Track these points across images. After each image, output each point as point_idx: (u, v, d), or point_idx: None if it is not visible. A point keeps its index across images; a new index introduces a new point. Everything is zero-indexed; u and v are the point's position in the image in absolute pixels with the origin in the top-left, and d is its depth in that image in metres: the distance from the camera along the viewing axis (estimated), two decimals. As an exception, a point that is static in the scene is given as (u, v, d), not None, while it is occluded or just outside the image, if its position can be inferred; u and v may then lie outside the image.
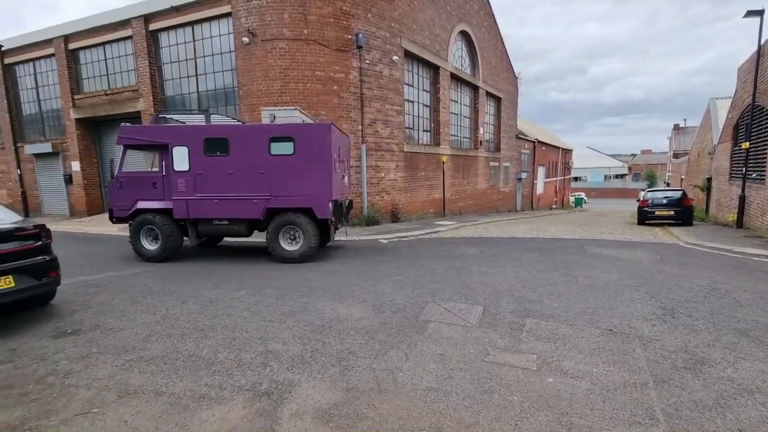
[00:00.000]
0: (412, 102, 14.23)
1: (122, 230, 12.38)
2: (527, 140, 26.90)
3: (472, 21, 17.72)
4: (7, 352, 3.80)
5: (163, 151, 7.75)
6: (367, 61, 11.65)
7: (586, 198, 43.51)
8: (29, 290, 4.31)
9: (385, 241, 9.83)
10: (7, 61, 16.20)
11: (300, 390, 3.05)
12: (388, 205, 12.79)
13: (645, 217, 14.27)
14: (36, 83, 16.09)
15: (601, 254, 8.04)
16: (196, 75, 12.53)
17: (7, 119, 16.52)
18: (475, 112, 19.21)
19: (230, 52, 11.75)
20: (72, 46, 14.54)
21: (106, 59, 14.27)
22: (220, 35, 11.91)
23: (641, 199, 15.24)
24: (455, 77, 16.74)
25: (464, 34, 17.34)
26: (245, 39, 10.90)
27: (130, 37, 13.23)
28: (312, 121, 8.34)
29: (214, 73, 12.30)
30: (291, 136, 7.37)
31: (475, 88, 18.90)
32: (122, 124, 8.12)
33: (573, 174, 46.59)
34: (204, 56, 12.32)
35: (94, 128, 15.37)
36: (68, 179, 15.44)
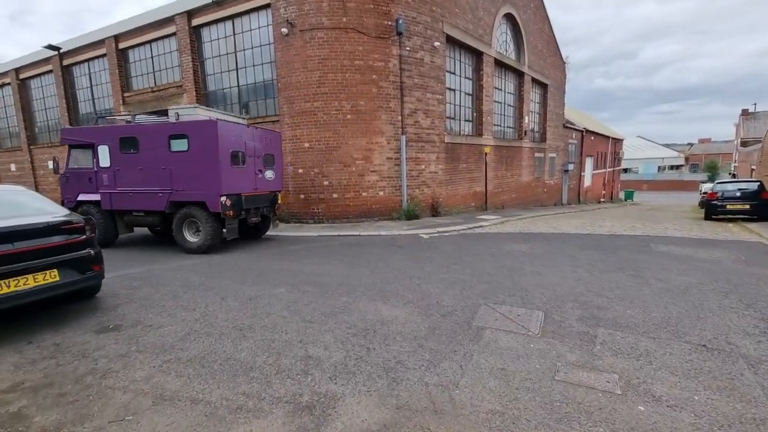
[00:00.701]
0: (454, 90, 13.59)
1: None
2: (575, 129, 25.33)
3: (518, 2, 16.70)
4: (51, 347, 3.76)
5: (94, 149, 8.55)
6: (408, 48, 11.16)
7: (636, 191, 40.70)
8: (73, 284, 4.29)
9: (426, 237, 9.39)
10: (65, 62, 17.13)
11: (344, 405, 2.72)
12: (428, 198, 12.31)
13: (714, 211, 12.89)
14: (90, 82, 16.91)
15: (672, 253, 7.18)
16: (237, 69, 12.57)
17: (66, 118, 17.53)
18: (520, 100, 18.19)
19: (269, 44, 11.65)
20: (122, 45, 15.09)
21: (152, 56, 14.69)
22: (259, 27, 11.84)
23: (708, 191, 13.80)
24: (499, 63, 15.86)
25: (509, 17, 16.37)
26: (284, 30, 10.73)
27: (174, 34, 13.50)
28: (227, 118, 8.64)
29: (253, 66, 12.28)
30: (185, 133, 7.74)
31: (520, 75, 17.88)
32: (63, 126, 9.45)
33: (623, 165, 43.71)
34: (244, 50, 12.32)
35: (142, 124, 15.94)
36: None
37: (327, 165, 11.05)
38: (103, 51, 15.69)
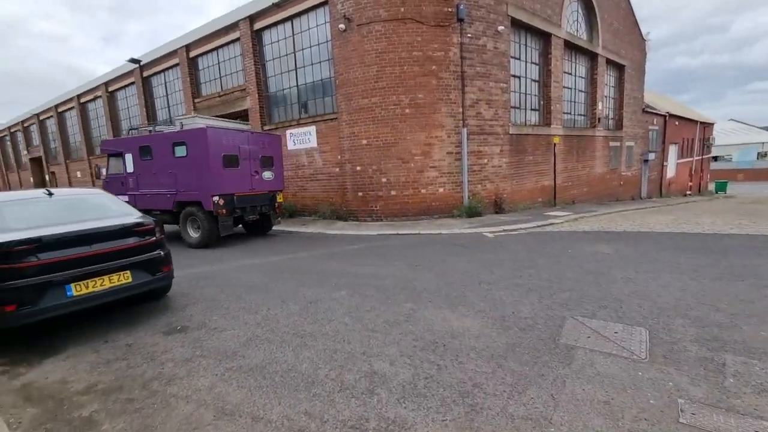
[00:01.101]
0: (519, 78, 12.64)
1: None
2: (656, 114, 22.72)
3: (590, -23, 15.17)
4: (124, 348, 3.83)
5: (123, 157, 9.87)
6: (469, 35, 10.51)
7: (729, 181, 35.80)
8: (144, 285, 4.39)
9: (491, 235, 8.76)
10: (145, 74, 18.64)
11: (417, 437, 2.37)
12: (491, 194, 11.57)
13: None
14: (166, 91, 18.23)
15: (802, 257, 5.93)
16: (296, 69, 12.72)
17: (144, 124, 19.11)
18: (593, 84, 16.59)
19: (327, 41, 11.61)
20: (192, 54, 16.03)
21: (219, 63, 15.42)
22: (317, 26, 11.85)
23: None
24: (569, 45, 14.53)
25: (580, -6, 14.94)
26: (341, 26, 10.60)
27: (237, 39, 14.02)
28: (221, 125, 9.77)
29: (312, 65, 12.34)
30: (184, 140, 8.64)
31: (593, 56, 16.29)
32: (103, 139, 11.21)
33: (713, 152, 38.70)
34: (302, 49, 12.43)
35: (211, 128, 16.86)
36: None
37: (385, 162, 10.78)
38: (176, 61, 16.80)
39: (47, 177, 29.48)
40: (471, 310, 4.32)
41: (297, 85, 12.83)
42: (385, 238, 9.15)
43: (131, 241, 4.37)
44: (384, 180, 10.89)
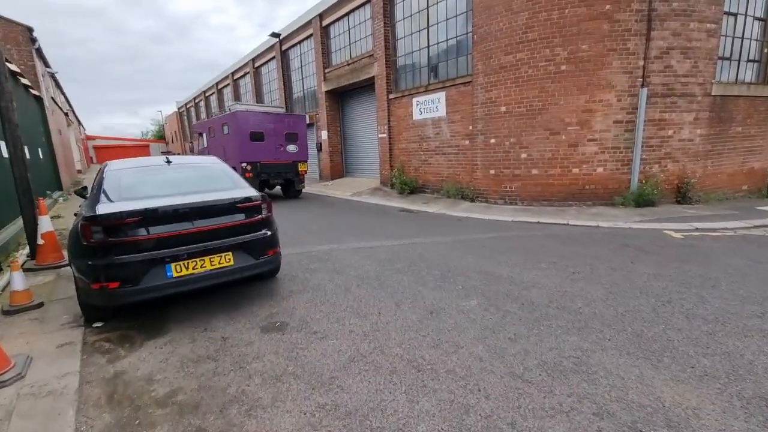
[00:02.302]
0: (735, 15, 9.02)
1: (354, 195, 13.02)
2: None
3: None
4: (219, 342, 3.33)
5: (201, 135, 14.38)
6: (664, -42, 7.64)
7: None
8: (246, 270, 3.85)
9: (679, 236, 6.37)
10: (283, 47, 19.54)
11: None
12: (673, 177, 8.69)
13: None
14: (301, 63, 18.83)
15: None
16: (427, 27, 11.39)
17: (282, 98, 20.25)
18: None
19: (464, -9, 9.94)
20: (325, 22, 15.97)
21: (349, 29, 15.00)
22: (454, -26, 10.23)
23: None
24: (824, -37, 9.87)
25: None
26: (484, -33, 8.81)
27: (369, 1, 13.25)
28: (250, 108, 12.40)
29: (446, 20, 10.84)
30: (227, 122, 11.86)
31: None
32: (194, 122, 15.68)
33: None
34: (437, 2, 10.98)
35: (339, 98, 16.85)
36: (319, 147, 17.70)
37: (527, 133, 8.89)
38: (310, 31, 17.03)
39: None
40: (694, 373, 2.65)
41: (428, 46, 11.51)
42: (522, 226, 7.50)
43: (237, 218, 3.85)
44: (524, 155, 9.03)
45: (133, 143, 66.99)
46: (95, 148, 61.40)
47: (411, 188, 12.04)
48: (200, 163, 4.77)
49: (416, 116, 11.94)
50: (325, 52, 16.47)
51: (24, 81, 12.11)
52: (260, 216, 4.01)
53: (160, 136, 64.89)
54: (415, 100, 11.87)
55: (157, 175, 4.21)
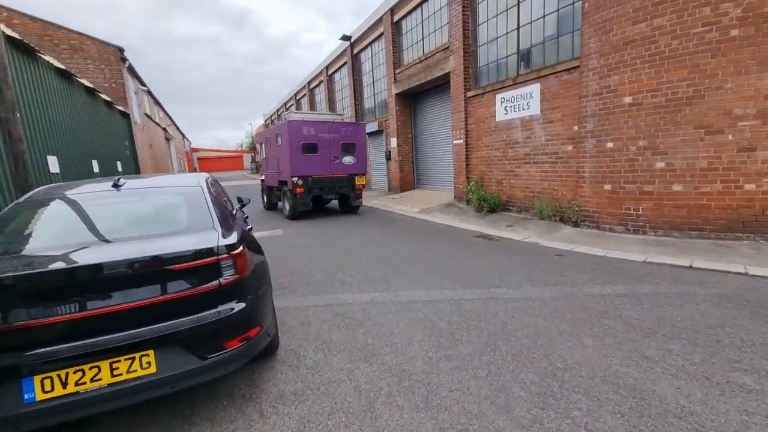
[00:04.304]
0: None
1: (423, 212, 11.08)
2: None
3: None
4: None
5: (261, 146, 13.72)
6: None
7: None
8: (180, 379, 2.17)
9: None
10: (354, 51, 18.47)
11: None
12: None
13: None
14: (372, 65, 17.54)
15: None
16: (518, 4, 9.09)
17: (352, 105, 19.17)
18: None
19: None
20: (396, 17, 14.44)
21: (422, 20, 13.24)
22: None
23: None
24: None
25: None
26: None
27: (444, -14, 11.36)
28: (303, 117, 11.17)
29: (542, -8, 8.47)
30: (280, 132, 10.98)
31: None
32: (255, 132, 15.57)
33: None
34: (529, -28, 8.68)
35: (410, 101, 15.14)
36: (387, 156, 16.10)
37: (667, 133, 6.18)
38: (381, 30, 15.64)
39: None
40: None
41: (517, 27, 9.19)
42: (663, 273, 4.90)
43: (175, 287, 2.22)
44: (660, 165, 6.31)
45: (228, 154, 73.36)
46: (199, 159, 68.35)
47: (491, 205, 9.75)
48: (163, 188, 3.28)
49: (500, 116, 9.65)
50: (396, 50, 14.89)
51: (104, 97, 12.51)
52: (217, 282, 2.33)
53: (252, 147, 70.07)
54: (499, 96, 9.61)
55: (87, 207, 2.79)
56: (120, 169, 13.59)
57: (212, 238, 2.45)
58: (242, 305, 2.44)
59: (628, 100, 6.56)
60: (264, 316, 2.69)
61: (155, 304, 2.15)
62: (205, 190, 3.13)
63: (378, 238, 7.93)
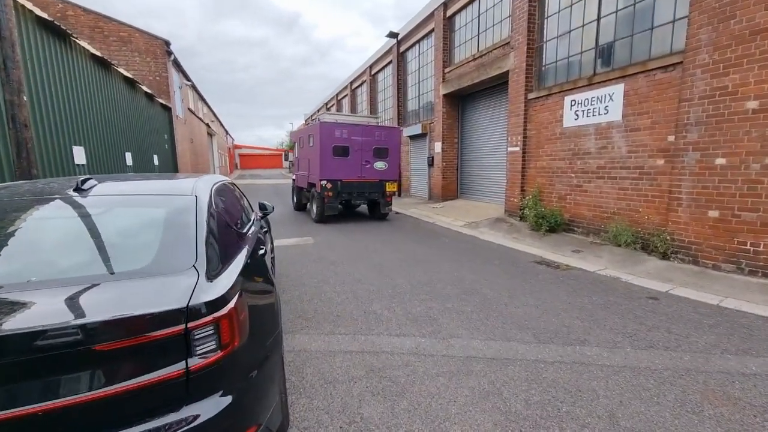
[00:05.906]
0: None
1: (468, 226, 9.89)
2: None
3: None
4: None
5: (294, 146, 13.52)
6: None
7: None
8: None
9: None
10: (401, 49, 17.52)
11: None
12: None
13: None
14: (419, 64, 16.51)
15: None
16: (598, -10, 7.76)
17: (395, 106, 18.22)
18: None
19: None
20: (450, 11, 13.32)
21: (479, 14, 12.04)
22: None
23: None
24: None
25: None
26: None
27: (507, -24, 10.16)
28: (336, 119, 10.52)
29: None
30: (311, 133, 10.52)
31: None
32: (290, 131, 14.37)
33: None
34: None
35: (459, 103, 13.96)
36: (430, 161, 14.97)
37: (808, 149, 4.72)
38: (431, 26, 14.58)
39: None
40: None
41: (597, 18, 7.86)
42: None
43: (105, 376, 1.30)
44: (796, 190, 4.85)
45: (268, 152, 74.71)
46: (240, 155, 70.08)
47: (551, 224, 8.43)
48: (142, 197, 2.34)
49: (568, 122, 8.33)
50: (447, 48, 13.77)
51: (144, 88, 12.29)
52: (181, 368, 1.38)
53: (292, 146, 70.95)
54: (569, 99, 8.29)
55: (23, 219, 1.94)
56: (156, 162, 13.37)
57: (183, 287, 1.50)
58: (227, 400, 1.48)
59: (752, 105, 5.13)
60: (265, 407, 1.73)
61: (69, 408, 1.22)
62: (202, 203, 2.18)
63: (419, 257, 6.88)
